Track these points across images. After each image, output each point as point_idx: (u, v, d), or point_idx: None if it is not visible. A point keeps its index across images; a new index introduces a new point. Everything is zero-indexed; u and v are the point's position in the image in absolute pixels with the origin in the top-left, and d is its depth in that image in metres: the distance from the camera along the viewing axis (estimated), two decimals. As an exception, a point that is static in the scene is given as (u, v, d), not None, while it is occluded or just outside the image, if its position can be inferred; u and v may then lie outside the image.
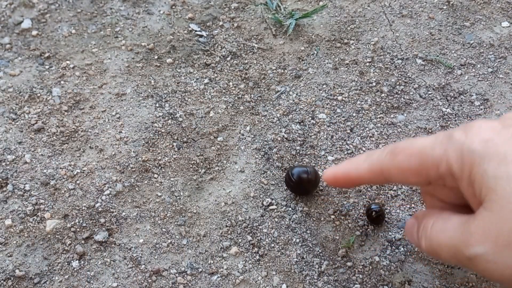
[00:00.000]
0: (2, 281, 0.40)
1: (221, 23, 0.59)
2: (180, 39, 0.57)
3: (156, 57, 0.55)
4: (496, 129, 0.28)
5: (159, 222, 0.43)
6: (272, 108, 0.51)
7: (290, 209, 0.44)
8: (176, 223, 0.43)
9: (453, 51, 0.56)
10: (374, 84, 0.53)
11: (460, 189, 0.30)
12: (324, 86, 0.53)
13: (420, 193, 0.37)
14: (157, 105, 0.51)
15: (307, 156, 0.47)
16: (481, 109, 0.51)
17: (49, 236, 0.42)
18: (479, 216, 0.28)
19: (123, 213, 0.44)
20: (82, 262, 0.41)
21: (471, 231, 0.28)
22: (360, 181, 0.36)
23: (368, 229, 0.43)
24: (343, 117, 0.50)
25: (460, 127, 0.31)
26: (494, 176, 0.27)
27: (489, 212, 0.27)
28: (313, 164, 0.47)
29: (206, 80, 0.53)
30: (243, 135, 0.49)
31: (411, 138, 0.33)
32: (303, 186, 0.43)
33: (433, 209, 0.34)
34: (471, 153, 0.28)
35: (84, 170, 0.46)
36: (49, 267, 0.41)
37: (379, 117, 0.50)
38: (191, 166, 0.47)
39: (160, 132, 0.49)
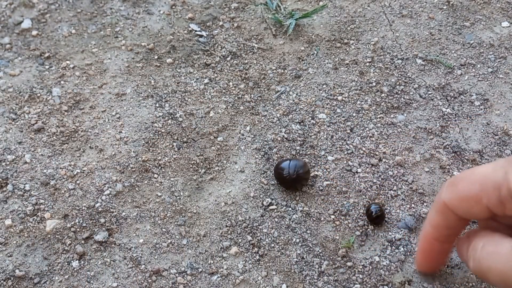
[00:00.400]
0: (2, 281, 0.40)
1: (221, 23, 0.59)
2: (180, 39, 0.57)
3: (156, 57, 0.55)
4: None
5: (159, 222, 0.43)
6: (272, 108, 0.51)
7: (290, 209, 0.44)
8: (176, 223, 0.43)
9: (453, 51, 0.56)
10: (374, 84, 0.53)
11: None
12: (324, 86, 0.53)
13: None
14: (157, 105, 0.51)
15: (307, 156, 0.47)
16: (481, 109, 0.51)
17: (49, 236, 0.42)
18: None
19: (123, 213, 0.44)
20: (82, 262, 0.41)
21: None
22: (442, 232, 0.35)
23: (368, 229, 0.43)
24: (343, 117, 0.50)
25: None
26: None
27: None
28: (313, 164, 0.47)
29: (206, 80, 0.53)
30: (243, 135, 0.49)
31: (471, 168, 0.32)
32: (300, 182, 0.44)
33: (485, 229, 0.33)
34: None
35: (84, 170, 0.46)
36: (49, 267, 0.41)
37: (379, 117, 0.50)
38: (191, 166, 0.47)
39: (160, 132, 0.49)
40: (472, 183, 0.31)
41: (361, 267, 0.41)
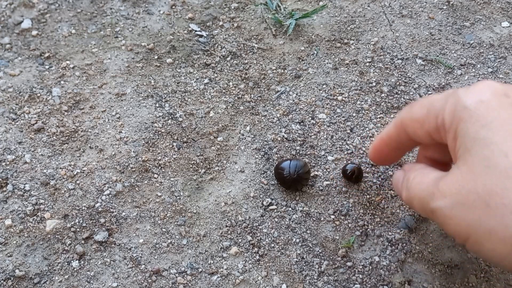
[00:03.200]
0: (2, 281, 0.40)
1: (221, 23, 0.59)
2: (180, 39, 0.57)
3: (156, 57, 0.55)
4: (497, 94, 0.29)
5: (159, 222, 0.43)
6: (272, 108, 0.51)
7: (290, 209, 0.44)
8: (176, 223, 0.43)
9: (453, 51, 0.56)
10: (374, 84, 0.53)
11: (447, 142, 0.31)
12: (324, 86, 0.53)
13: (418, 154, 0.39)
14: (157, 105, 0.51)
15: (307, 156, 0.47)
16: (481, 109, 0.51)
17: (49, 236, 0.42)
18: (450, 173, 0.30)
19: (123, 213, 0.44)
20: (82, 262, 0.41)
21: (439, 186, 0.30)
22: (393, 143, 0.38)
23: (368, 229, 0.43)
24: (343, 117, 0.50)
25: (469, 85, 0.32)
26: (473, 138, 0.28)
27: (458, 171, 0.29)
28: (313, 164, 0.47)
29: (206, 80, 0.53)
30: (243, 135, 0.49)
31: (425, 97, 0.36)
32: (301, 182, 0.44)
33: (420, 163, 0.36)
34: (463, 109, 0.29)
35: (84, 170, 0.46)
36: (49, 267, 0.41)
37: (379, 117, 0.50)
38: (191, 166, 0.47)
39: (160, 132, 0.49)
40: (422, 107, 0.33)
41: (361, 267, 0.41)
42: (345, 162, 0.47)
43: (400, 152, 0.39)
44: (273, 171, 0.46)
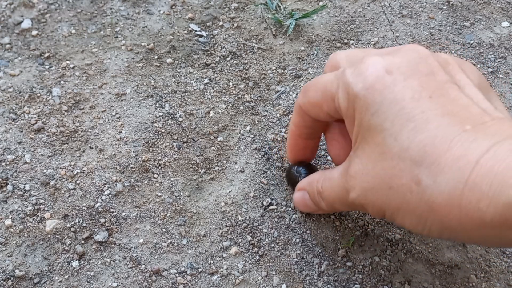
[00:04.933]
0: (2, 281, 0.40)
1: (221, 23, 0.59)
2: (180, 39, 0.57)
3: (156, 57, 0.55)
4: (381, 74, 0.30)
5: (159, 222, 0.43)
6: (272, 108, 0.51)
7: (290, 209, 0.44)
8: (176, 223, 0.43)
9: (453, 51, 0.56)
10: (374, 84, 0.53)
11: (346, 124, 0.32)
12: (324, 86, 0.53)
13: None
14: (157, 105, 0.51)
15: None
16: (481, 109, 0.51)
17: (49, 236, 0.42)
18: (352, 163, 0.31)
19: (123, 213, 0.44)
20: (82, 262, 0.41)
21: (346, 180, 0.32)
22: (303, 130, 0.39)
23: (368, 229, 0.43)
24: (343, 117, 0.50)
25: (354, 59, 0.33)
26: (367, 126, 0.30)
27: (358, 160, 0.31)
28: (313, 164, 0.47)
29: (206, 80, 0.53)
30: (243, 135, 0.49)
31: (316, 77, 0.36)
32: None
33: (314, 174, 0.38)
34: (354, 97, 0.30)
35: (84, 170, 0.46)
36: (49, 267, 0.41)
37: (379, 117, 0.50)
38: (191, 166, 0.47)
39: (160, 132, 0.49)
40: (316, 91, 0.34)
41: (361, 267, 0.41)
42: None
43: (315, 140, 0.41)
44: (286, 176, 0.45)
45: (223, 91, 0.52)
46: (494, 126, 0.27)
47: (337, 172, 0.34)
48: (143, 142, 0.48)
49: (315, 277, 0.40)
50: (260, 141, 0.49)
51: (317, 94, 0.34)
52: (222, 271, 0.41)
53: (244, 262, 0.41)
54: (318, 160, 0.47)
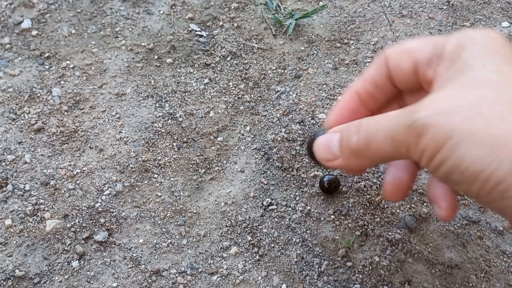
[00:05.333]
0: (2, 281, 0.40)
1: (221, 23, 0.59)
2: (180, 39, 0.57)
3: (156, 57, 0.55)
4: (504, 39, 0.29)
5: (159, 222, 0.43)
6: (272, 108, 0.51)
7: (290, 209, 0.44)
8: (176, 223, 0.43)
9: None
10: (374, 84, 0.53)
11: (433, 73, 0.30)
12: (324, 86, 0.53)
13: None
14: (157, 105, 0.51)
15: (307, 156, 0.47)
16: (481, 109, 0.51)
17: (49, 236, 0.42)
18: (432, 94, 0.27)
19: (123, 213, 0.44)
20: (82, 262, 0.41)
21: (415, 107, 0.27)
22: (356, 101, 0.34)
23: (368, 229, 0.43)
24: (343, 117, 0.50)
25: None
26: (472, 63, 0.28)
27: (444, 90, 0.27)
28: (313, 164, 0.47)
29: (206, 80, 0.53)
30: (243, 135, 0.49)
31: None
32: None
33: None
34: (472, 40, 0.29)
35: (84, 170, 0.46)
36: (49, 267, 0.41)
37: (379, 117, 0.50)
38: (191, 166, 0.47)
39: (160, 132, 0.49)
40: (419, 39, 0.32)
41: (361, 267, 0.41)
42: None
43: (369, 106, 0.35)
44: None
45: (223, 91, 0.52)
46: None
47: (397, 109, 0.29)
48: (143, 142, 0.48)
49: (315, 277, 0.40)
50: (260, 141, 0.49)
51: (419, 41, 0.32)
52: (222, 271, 0.41)
53: (244, 262, 0.41)
54: (318, 160, 0.47)
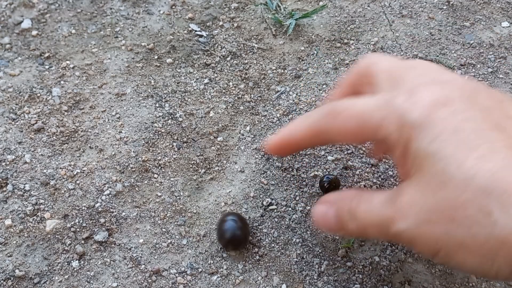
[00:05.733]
0: (2, 281, 0.40)
1: (221, 23, 0.59)
2: (180, 39, 0.57)
3: (156, 57, 0.55)
4: (438, 104, 0.28)
5: (159, 222, 0.43)
6: (272, 108, 0.51)
7: (290, 209, 0.44)
8: (176, 223, 0.43)
9: (453, 51, 0.56)
10: (374, 84, 0.53)
11: (393, 156, 0.30)
12: (324, 86, 0.53)
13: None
14: (157, 105, 0.51)
15: (307, 156, 0.47)
16: (481, 109, 0.51)
17: (49, 236, 0.42)
18: (405, 192, 0.28)
19: (123, 213, 0.44)
20: (82, 262, 0.41)
21: (396, 207, 0.29)
22: (301, 144, 0.36)
23: (368, 229, 0.43)
24: (343, 117, 0.50)
25: (404, 88, 0.30)
26: (425, 154, 0.27)
27: (413, 189, 0.28)
28: (313, 164, 0.47)
29: (206, 80, 0.53)
30: (243, 135, 0.49)
31: (352, 99, 0.32)
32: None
33: (346, 191, 0.34)
34: (410, 125, 0.28)
35: (84, 170, 0.46)
36: (49, 267, 0.41)
37: (379, 117, 0.50)
38: (191, 166, 0.47)
39: (160, 132, 0.49)
40: (351, 118, 0.31)
41: (361, 267, 0.41)
42: (344, 162, 0.47)
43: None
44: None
45: (223, 91, 0.52)
46: None
47: (379, 197, 0.31)
48: (143, 142, 0.48)
49: (315, 277, 0.40)
50: (260, 141, 0.49)
51: (351, 122, 0.31)
52: (222, 271, 0.41)
53: (244, 262, 0.41)
54: (318, 160, 0.47)
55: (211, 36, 0.57)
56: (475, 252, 0.26)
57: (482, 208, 0.25)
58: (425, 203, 0.27)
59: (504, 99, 0.30)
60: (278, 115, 0.50)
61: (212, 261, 0.41)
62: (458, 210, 0.26)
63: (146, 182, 0.46)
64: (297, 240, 0.42)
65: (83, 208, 0.44)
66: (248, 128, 0.50)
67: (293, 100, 0.52)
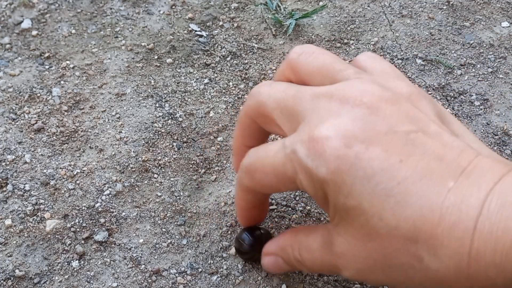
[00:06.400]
0: (2, 281, 0.40)
1: (221, 23, 0.59)
2: (180, 39, 0.57)
3: (156, 57, 0.55)
4: (342, 150, 0.27)
5: (159, 222, 0.43)
6: (272, 108, 0.51)
7: (290, 209, 0.44)
8: (176, 223, 0.43)
9: (453, 51, 0.56)
10: (374, 84, 0.53)
11: (316, 200, 0.30)
12: (324, 86, 0.53)
13: None
14: (157, 105, 0.51)
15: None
16: (481, 109, 0.51)
17: (49, 236, 0.42)
18: (337, 241, 0.29)
19: (123, 213, 0.44)
20: (82, 262, 0.41)
21: (335, 255, 0.29)
22: (250, 204, 0.37)
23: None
24: (343, 117, 0.50)
25: (302, 135, 0.29)
26: (344, 210, 0.27)
27: (344, 240, 0.28)
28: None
29: (206, 80, 0.53)
30: (243, 135, 0.49)
31: (259, 152, 0.32)
32: None
33: (283, 238, 0.35)
34: (321, 182, 0.27)
35: (84, 170, 0.46)
36: (49, 267, 0.41)
37: (379, 117, 0.50)
38: (191, 166, 0.47)
39: (160, 132, 0.49)
40: (266, 174, 0.31)
41: (361, 267, 0.41)
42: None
43: (266, 204, 0.39)
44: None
45: (223, 91, 0.52)
46: (474, 172, 0.25)
47: (316, 243, 0.31)
48: (143, 142, 0.48)
49: (315, 277, 0.40)
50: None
51: (268, 176, 0.31)
52: (222, 271, 0.41)
53: (244, 262, 0.41)
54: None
55: (211, 36, 0.57)
56: None
57: (413, 255, 0.25)
58: (359, 253, 0.27)
59: (400, 98, 0.28)
60: (278, 115, 0.50)
61: (212, 261, 0.41)
62: (392, 259, 0.26)
63: (146, 182, 0.46)
64: (297, 240, 0.42)
65: (83, 208, 0.44)
66: (248, 128, 0.50)
67: (293, 100, 0.52)
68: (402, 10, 0.60)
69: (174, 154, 0.48)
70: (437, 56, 0.55)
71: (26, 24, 0.58)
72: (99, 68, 0.54)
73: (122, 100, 0.51)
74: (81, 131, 0.49)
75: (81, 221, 0.43)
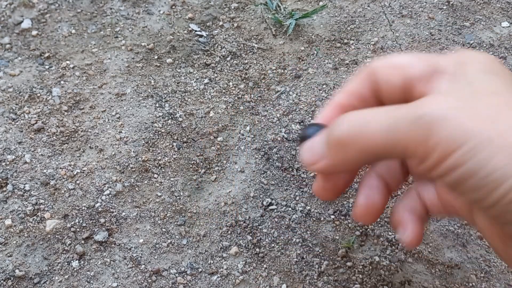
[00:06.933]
0: (2, 281, 0.40)
1: (221, 23, 0.59)
2: (180, 39, 0.57)
3: (156, 57, 0.55)
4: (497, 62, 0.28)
5: (159, 222, 0.43)
6: (272, 108, 0.51)
7: (290, 209, 0.44)
8: (176, 223, 0.43)
9: (453, 51, 0.56)
10: (374, 84, 0.53)
11: (428, 88, 0.27)
12: (324, 86, 0.53)
13: None
14: (157, 105, 0.51)
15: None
16: (481, 109, 0.51)
17: (49, 236, 0.42)
18: (430, 96, 0.26)
19: (123, 213, 0.44)
20: (82, 262, 0.41)
21: (420, 102, 0.25)
22: (352, 103, 0.31)
23: (368, 229, 0.43)
24: (343, 117, 0.50)
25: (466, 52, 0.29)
26: (473, 77, 0.26)
27: (444, 95, 0.26)
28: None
29: (206, 80, 0.53)
30: (243, 135, 0.49)
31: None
32: None
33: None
34: (469, 59, 0.28)
35: (84, 170, 0.46)
36: (49, 267, 0.41)
37: (379, 117, 0.50)
38: (191, 166, 0.47)
39: (160, 132, 0.49)
40: (410, 55, 0.29)
41: (361, 267, 0.41)
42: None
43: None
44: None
45: (223, 91, 0.52)
46: None
47: (383, 108, 0.27)
48: (143, 142, 0.48)
49: (315, 277, 0.40)
50: (260, 141, 0.49)
51: (410, 57, 0.29)
52: (222, 271, 0.41)
53: (244, 262, 0.41)
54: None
55: (211, 36, 0.57)
56: (505, 151, 0.23)
57: None
58: (468, 100, 0.25)
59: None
60: (278, 115, 0.50)
61: (212, 261, 0.41)
62: (504, 113, 0.24)
63: (146, 182, 0.46)
64: (297, 240, 0.42)
65: (83, 208, 0.44)
66: (248, 128, 0.50)
67: (293, 100, 0.52)
68: (402, 10, 0.60)
69: (174, 154, 0.48)
70: (437, 56, 0.55)
71: (26, 24, 0.58)
72: (99, 68, 0.54)
73: (122, 100, 0.51)
74: (81, 131, 0.49)
75: (81, 221, 0.43)
